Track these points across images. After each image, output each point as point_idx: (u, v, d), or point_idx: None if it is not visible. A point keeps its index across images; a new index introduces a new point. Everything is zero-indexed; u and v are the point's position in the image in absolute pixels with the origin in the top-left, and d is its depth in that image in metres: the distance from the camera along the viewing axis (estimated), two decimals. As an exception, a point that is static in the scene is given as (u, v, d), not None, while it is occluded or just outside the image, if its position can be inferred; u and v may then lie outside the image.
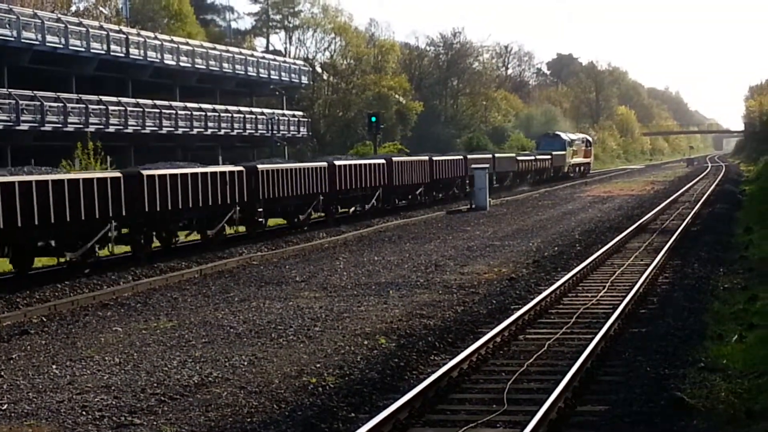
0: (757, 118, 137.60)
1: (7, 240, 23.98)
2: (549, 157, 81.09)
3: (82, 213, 25.38)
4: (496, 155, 68.22)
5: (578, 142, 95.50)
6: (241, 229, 35.20)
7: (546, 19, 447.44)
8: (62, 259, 26.52)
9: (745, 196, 54.48)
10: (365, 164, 45.17)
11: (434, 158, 54.68)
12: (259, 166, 35.75)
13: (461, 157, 60.18)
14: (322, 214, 42.00)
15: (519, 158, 73.07)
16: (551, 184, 77.38)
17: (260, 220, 35.83)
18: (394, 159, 49.29)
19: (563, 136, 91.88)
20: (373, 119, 64.61)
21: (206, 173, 31.67)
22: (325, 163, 41.39)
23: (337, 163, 42.20)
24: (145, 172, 28.66)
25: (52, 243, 25.48)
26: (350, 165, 43.29)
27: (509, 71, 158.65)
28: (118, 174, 27.63)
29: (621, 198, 57.13)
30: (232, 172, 33.40)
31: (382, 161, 47.32)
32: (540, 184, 75.58)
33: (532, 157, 77.29)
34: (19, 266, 25.50)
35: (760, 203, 43.62)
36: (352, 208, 45.49)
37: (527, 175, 74.81)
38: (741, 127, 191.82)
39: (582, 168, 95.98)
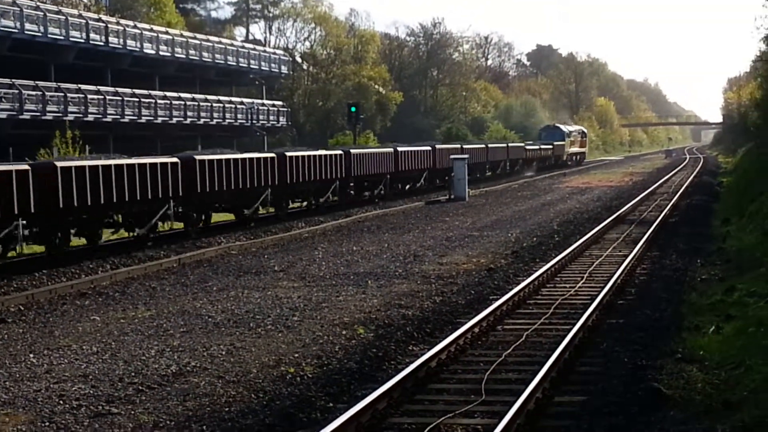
0: (735, 110, 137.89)
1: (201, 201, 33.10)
2: (551, 146, 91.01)
3: (255, 181, 35.36)
4: (510, 144, 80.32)
5: (575, 134, 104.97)
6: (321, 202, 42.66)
7: (526, 11, 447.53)
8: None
9: (723, 188, 54.69)
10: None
11: (465, 146, 65.01)
12: (353, 151, 45.91)
13: (483, 145, 71.29)
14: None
15: (527, 147, 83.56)
16: (550, 170, 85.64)
17: (351, 192, 45.41)
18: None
19: (563, 128, 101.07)
20: (353, 109, 64.56)
21: (322, 155, 41.73)
22: (391, 150, 51.25)
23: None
24: (289, 154, 38.78)
25: (229, 206, 35.88)
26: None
27: (489, 62, 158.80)
28: (273, 155, 37.60)
29: (599, 189, 57.30)
30: (333, 155, 43.01)
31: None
32: (543, 170, 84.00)
33: (537, 147, 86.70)
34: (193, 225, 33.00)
35: (738, 195, 43.78)
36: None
37: (533, 162, 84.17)
38: (719, 118, 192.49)
39: (578, 156, 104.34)
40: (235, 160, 34.50)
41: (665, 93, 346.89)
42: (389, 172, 49.95)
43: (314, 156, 40.96)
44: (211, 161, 32.77)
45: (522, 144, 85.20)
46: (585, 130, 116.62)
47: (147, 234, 29.85)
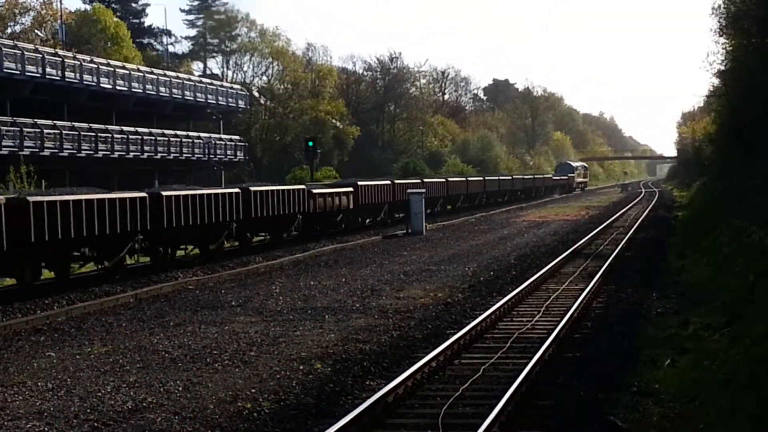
0: (689, 145, 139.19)
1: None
2: (566, 177, 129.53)
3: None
4: (545, 176, 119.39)
5: (580, 168, 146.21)
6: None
7: (482, 45, 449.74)
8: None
9: (678, 222, 55.05)
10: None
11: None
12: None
13: (531, 176, 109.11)
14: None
15: (554, 178, 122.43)
16: (565, 194, 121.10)
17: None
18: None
19: (573, 164, 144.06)
20: (310, 144, 64.71)
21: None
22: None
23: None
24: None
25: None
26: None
27: (446, 96, 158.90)
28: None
29: (556, 223, 57.49)
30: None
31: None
32: (563, 194, 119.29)
33: (558, 178, 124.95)
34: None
35: (693, 229, 44.12)
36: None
37: (556, 188, 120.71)
38: (674, 153, 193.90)
39: (582, 184, 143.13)
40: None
41: (621, 127, 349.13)
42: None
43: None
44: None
45: (551, 175, 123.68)
46: (587, 165, 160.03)
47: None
